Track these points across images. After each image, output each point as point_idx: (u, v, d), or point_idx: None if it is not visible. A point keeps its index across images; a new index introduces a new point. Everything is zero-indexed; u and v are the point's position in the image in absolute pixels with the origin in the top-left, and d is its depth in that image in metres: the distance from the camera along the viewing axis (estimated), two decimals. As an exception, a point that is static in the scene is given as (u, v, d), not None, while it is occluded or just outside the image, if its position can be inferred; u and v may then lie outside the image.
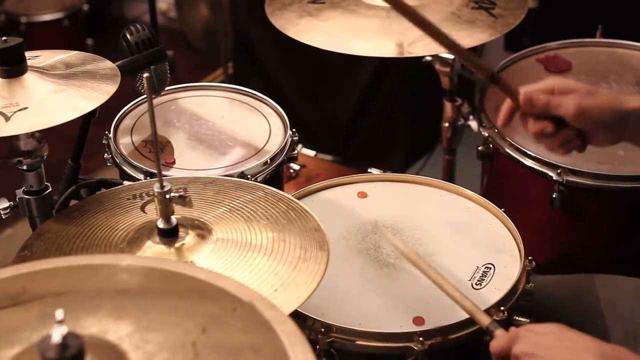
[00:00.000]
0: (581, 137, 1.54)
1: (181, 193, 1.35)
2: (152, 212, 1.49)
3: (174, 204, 1.37)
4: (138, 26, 1.83)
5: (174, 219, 1.38)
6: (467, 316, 1.49)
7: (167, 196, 1.35)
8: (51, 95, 1.55)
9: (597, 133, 1.53)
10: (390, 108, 3.34)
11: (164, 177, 1.36)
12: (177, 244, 1.38)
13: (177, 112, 2.08)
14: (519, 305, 1.57)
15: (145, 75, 1.30)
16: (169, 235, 1.39)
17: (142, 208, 1.53)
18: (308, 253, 1.38)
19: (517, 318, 1.56)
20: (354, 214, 1.79)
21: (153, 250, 1.38)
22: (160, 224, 1.38)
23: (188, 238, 1.39)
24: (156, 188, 1.34)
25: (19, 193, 1.69)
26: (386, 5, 2.03)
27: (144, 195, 1.57)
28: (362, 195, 1.85)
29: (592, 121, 1.49)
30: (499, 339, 1.36)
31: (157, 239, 1.39)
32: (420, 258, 1.49)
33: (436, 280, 1.46)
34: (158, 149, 1.37)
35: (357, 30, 2.00)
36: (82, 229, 1.49)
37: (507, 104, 1.56)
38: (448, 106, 2.31)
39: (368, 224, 1.75)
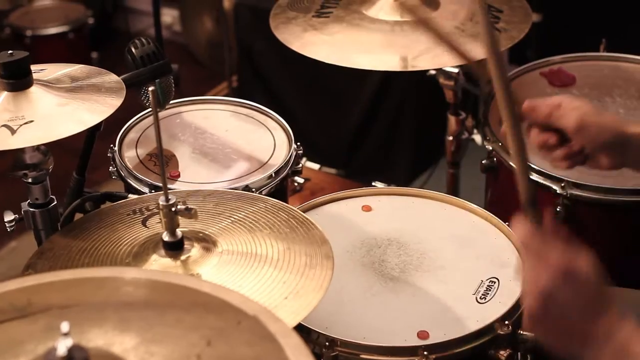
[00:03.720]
0: (584, 153, 1.53)
1: (187, 205, 1.35)
2: (154, 226, 1.49)
3: (179, 217, 1.37)
4: (143, 40, 1.84)
5: (179, 231, 1.38)
6: (471, 330, 1.50)
7: (173, 209, 1.35)
8: (57, 108, 1.56)
9: (598, 153, 1.52)
10: (394, 121, 3.34)
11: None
12: (183, 257, 1.39)
13: (182, 126, 2.09)
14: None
15: (151, 88, 1.30)
16: (175, 248, 1.38)
17: (144, 223, 1.53)
18: (313, 260, 1.38)
19: (521, 332, 1.55)
20: (359, 228, 1.79)
21: (159, 263, 1.38)
22: (166, 237, 1.38)
23: (194, 251, 1.39)
24: (161, 201, 1.34)
25: (24, 206, 1.70)
26: (390, 19, 2.05)
27: (143, 210, 1.57)
28: (367, 208, 1.85)
29: (592, 138, 1.50)
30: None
31: (162, 252, 1.39)
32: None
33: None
34: (164, 163, 1.37)
35: (361, 44, 2.00)
36: (86, 245, 1.48)
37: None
38: (452, 120, 2.32)
39: (372, 238, 1.75)
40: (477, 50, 1.95)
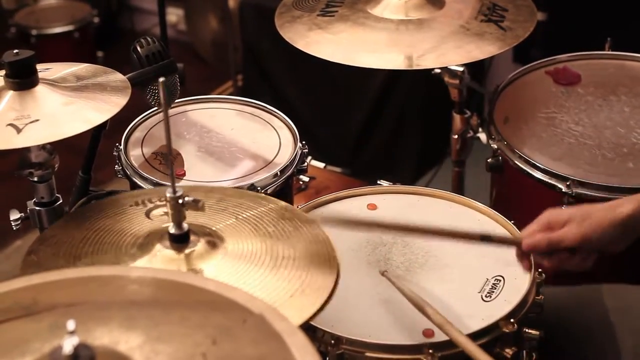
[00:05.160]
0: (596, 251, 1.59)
1: (195, 197, 1.35)
2: (157, 218, 1.49)
3: (185, 210, 1.36)
4: (148, 39, 1.84)
5: (185, 225, 1.38)
6: (476, 328, 1.50)
7: (180, 201, 1.34)
8: (62, 107, 1.56)
9: (608, 245, 1.57)
10: (399, 120, 3.34)
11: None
12: (187, 251, 1.38)
13: (187, 125, 2.09)
14: (529, 318, 1.57)
15: (161, 79, 1.29)
16: (181, 241, 1.38)
17: (147, 214, 1.52)
18: (318, 259, 1.38)
19: (526, 330, 1.55)
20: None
21: (163, 255, 1.37)
22: (172, 230, 1.37)
23: (199, 245, 1.39)
24: (168, 193, 1.34)
25: (30, 204, 1.70)
26: (395, 18, 2.05)
27: (146, 202, 1.56)
28: (372, 207, 1.85)
29: (598, 242, 1.55)
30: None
31: (167, 244, 1.38)
32: (426, 304, 1.51)
33: (442, 326, 1.47)
34: (171, 153, 1.36)
35: (366, 42, 2.00)
36: (88, 234, 1.47)
37: (518, 253, 1.65)
38: (457, 118, 2.31)
39: (377, 237, 1.75)
40: (481, 50, 1.96)
